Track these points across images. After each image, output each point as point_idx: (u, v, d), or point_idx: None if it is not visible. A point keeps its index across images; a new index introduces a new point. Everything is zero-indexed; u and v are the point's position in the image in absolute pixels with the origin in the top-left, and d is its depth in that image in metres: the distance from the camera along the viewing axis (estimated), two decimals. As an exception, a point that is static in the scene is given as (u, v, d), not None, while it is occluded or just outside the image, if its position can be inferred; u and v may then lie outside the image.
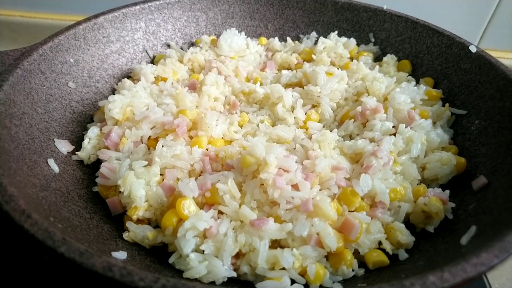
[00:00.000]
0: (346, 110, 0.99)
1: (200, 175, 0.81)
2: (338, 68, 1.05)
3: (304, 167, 0.79)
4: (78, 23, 1.02)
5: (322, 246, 0.68)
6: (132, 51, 1.16)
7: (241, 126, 0.96)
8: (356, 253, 0.72)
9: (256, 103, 1.04)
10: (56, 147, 0.86)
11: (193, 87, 1.04)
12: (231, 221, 0.71)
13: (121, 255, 0.66)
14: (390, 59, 1.15)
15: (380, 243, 0.74)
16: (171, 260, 0.70)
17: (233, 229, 0.70)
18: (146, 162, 0.80)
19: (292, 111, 0.97)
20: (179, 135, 0.85)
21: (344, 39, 1.22)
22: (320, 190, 0.76)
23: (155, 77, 1.09)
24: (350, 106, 1.01)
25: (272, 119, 0.99)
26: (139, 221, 0.77)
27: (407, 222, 0.78)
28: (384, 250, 0.73)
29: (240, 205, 0.72)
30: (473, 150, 0.88)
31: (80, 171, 0.87)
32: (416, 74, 1.13)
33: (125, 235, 0.74)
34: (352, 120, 0.96)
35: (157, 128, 0.88)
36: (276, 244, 0.70)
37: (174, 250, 0.72)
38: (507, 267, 0.90)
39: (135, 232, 0.74)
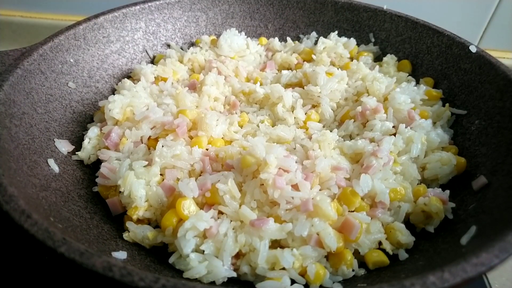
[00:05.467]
0: (346, 110, 0.99)
1: (200, 175, 0.81)
2: (338, 68, 1.05)
3: (304, 167, 0.79)
4: (78, 23, 1.02)
5: (322, 246, 0.68)
6: (132, 51, 1.16)
7: (241, 126, 0.96)
8: (356, 253, 0.72)
9: (256, 103, 1.04)
10: (56, 147, 0.86)
11: (193, 87, 1.04)
12: (231, 221, 0.71)
13: (121, 255, 0.66)
14: (390, 59, 1.15)
15: (380, 243, 0.74)
16: (171, 260, 0.70)
17: (233, 229, 0.70)
18: (146, 162, 0.80)
19: (292, 111, 0.97)
20: (179, 135, 0.85)
21: (344, 39, 1.22)
22: (320, 190, 0.76)
23: (155, 77, 1.09)
24: (350, 106, 1.01)
25: (272, 119, 0.99)
26: (139, 221, 0.77)
27: (407, 222, 0.78)
28: (384, 250, 0.73)
29: (240, 205, 0.72)
30: (473, 150, 0.88)
31: (80, 171, 0.87)
32: (416, 74, 1.13)
33: (125, 235, 0.74)
34: (352, 120, 0.96)
35: (157, 128, 0.88)
36: (276, 244, 0.70)
37: (174, 250, 0.72)
38: (507, 267, 0.90)
39: (135, 232, 0.74)
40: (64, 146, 0.88)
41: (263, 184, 0.72)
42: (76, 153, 0.89)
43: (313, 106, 1.01)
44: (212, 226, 0.68)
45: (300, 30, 1.31)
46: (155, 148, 0.82)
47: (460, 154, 0.90)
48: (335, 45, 1.18)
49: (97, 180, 0.83)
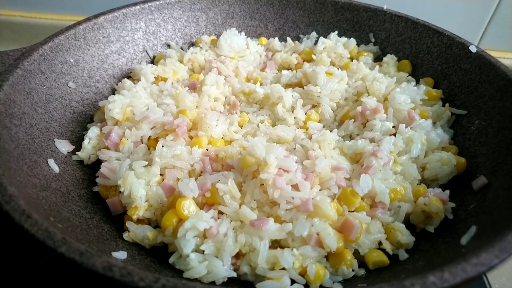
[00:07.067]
0: (346, 110, 0.99)
1: (200, 175, 0.81)
2: (338, 68, 1.05)
3: (304, 167, 0.79)
4: (78, 23, 1.02)
5: (322, 246, 0.68)
6: (132, 51, 1.16)
7: (241, 126, 0.96)
8: (356, 253, 0.72)
9: (256, 103, 1.04)
10: (56, 147, 0.86)
11: (193, 87, 1.04)
12: (231, 221, 0.71)
13: (121, 255, 0.66)
14: (390, 59, 1.15)
15: (380, 243, 0.74)
16: (171, 260, 0.70)
17: (233, 229, 0.70)
18: (146, 162, 0.80)
19: (292, 111, 0.97)
20: (179, 135, 0.85)
21: (344, 39, 1.22)
22: (320, 190, 0.76)
23: (155, 77, 1.09)
24: (350, 106, 1.01)
25: (272, 119, 0.99)
26: (139, 221, 0.77)
27: (407, 222, 0.78)
28: (384, 250, 0.73)
29: (240, 205, 0.72)
30: (473, 150, 0.88)
31: (80, 171, 0.87)
32: (416, 74, 1.13)
33: (125, 235, 0.74)
34: (352, 120, 0.96)
35: (157, 128, 0.88)
36: (276, 244, 0.70)
37: (174, 250, 0.72)
38: (507, 267, 0.90)
39: (135, 232, 0.74)
40: (64, 146, 0.87)
41: (263, 184, 0.72)
42: (76, 153, 0.89)
43: (313, 106, 1.01)
44: (212, 226, 0.68)
45: (300, 30, 1.31)
46: (155, 148, 0.82)
47: (460, 154, 0.90)
48: (335, 45, 1.18)
49: (97, 180, 0.83)
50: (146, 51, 1.20)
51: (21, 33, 1.73)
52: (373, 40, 1.23)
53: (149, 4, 1.16)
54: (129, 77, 1.11)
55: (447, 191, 0.80)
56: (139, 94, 0.96)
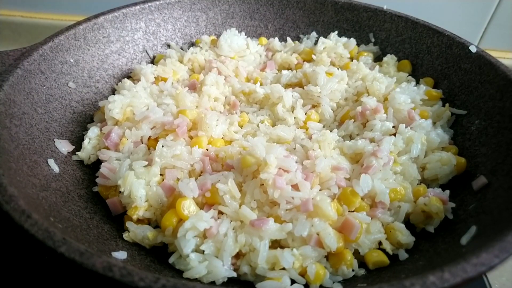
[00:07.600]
0: (346, 110, 0.99)
1: (200, 175, 0.81)
2: (338, 68, 1.05)
3: (304, 167, 0.79)
4: (78, 23, 1.02)
5: (322, 246, 0.68)
6: (132, 51, 1.16)
7: (241, 126, 0.96)
8: (356, 253, 0.72)
9: (256, 103, 1.04)
10: (56, 147, 0.86)
11: (193, 87, 1.04)
12: (231, 221, 0.71)
13: (121, 255, 0.66)
14: (390, 59, 1.15)
15: (380, 243, 0.74)
16: (171, 260, 0.70)
17: (233, 229, 0.70)
18: (146, 162, 0.80)
19: (292, 111, 0.97)
20: (179, 135, 0.85)
21: (344, 39, 1.22)
22: (320, 190, 0.76)
23: (155, 77, 1.09)
24: (350, 106, 1.01)
25: (272, 119, 0.99)
26: (139, 221, 0.77)
27: (407, 222, 0.78)
28: (384, 250, 0.73)
29: (240, 205, 0.72)
30: (473, 150, 0.88)
31: (80, 171, 0.87)
32: (416, 74, 1.13)
33: (125, 235, 0.74)
34: (352, 120, 0.96)
35: (157, 128, 0.88)
36: (276, 244, 0.70)
37: (174, 250, 0.72)
38: (507, 267, 0.90)
39: (135, 232, 0.74)
40: (64, 146, 0.88)
41: (263, 184, 0.72)
42: (76, 153, 0.89)
43: (313, 106, 1.01)
44: (212, 226, 0.68)
45: (300, 30, 1.31)
46: (155, 148, 0.82)
47: (460, 154, 0.90)
48: (335, 45, 1.18)
49: (97, 180, 0.83)
50: (146, 51, 1.20)
51: (21, 33, 1.73)
52: (373, 40, 1.23)
53: (149, 4, 1.16)
54: (129, 77, 1.11)
55: (447, 191, 0.80)
56: (139, 94, 0.96)
